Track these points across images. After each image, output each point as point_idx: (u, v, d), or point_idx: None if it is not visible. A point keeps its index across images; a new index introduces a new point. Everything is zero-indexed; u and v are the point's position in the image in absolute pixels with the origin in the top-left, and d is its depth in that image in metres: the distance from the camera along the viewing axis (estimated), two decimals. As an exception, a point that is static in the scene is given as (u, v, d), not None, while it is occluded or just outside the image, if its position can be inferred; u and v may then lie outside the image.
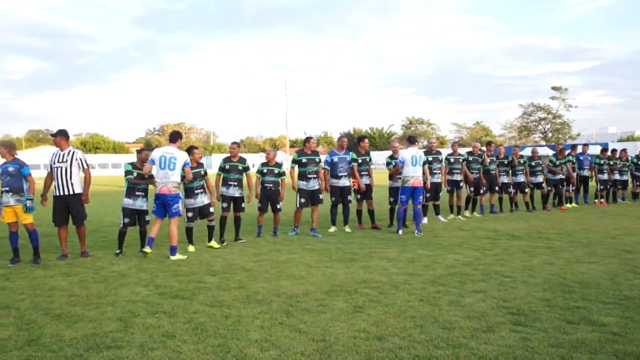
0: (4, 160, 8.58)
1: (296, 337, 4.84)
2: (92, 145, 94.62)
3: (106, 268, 7.99)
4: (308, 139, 11.29)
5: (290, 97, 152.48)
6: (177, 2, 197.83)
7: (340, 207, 11.64)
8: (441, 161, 13.07)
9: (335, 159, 11.47)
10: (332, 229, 11.52)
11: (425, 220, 12.30)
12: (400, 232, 11.05)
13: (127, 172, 9.22)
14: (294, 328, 5.09)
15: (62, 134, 8.93)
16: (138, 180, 9.11)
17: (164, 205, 8.78)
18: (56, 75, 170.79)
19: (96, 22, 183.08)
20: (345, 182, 11.49)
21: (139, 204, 9.14)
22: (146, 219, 9.25)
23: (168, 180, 8.69)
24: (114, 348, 4.65)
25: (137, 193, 9.10)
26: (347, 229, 11.57)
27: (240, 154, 10.56)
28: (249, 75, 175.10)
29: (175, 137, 9.07)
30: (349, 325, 5.14)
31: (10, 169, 8.44)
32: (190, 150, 9.48)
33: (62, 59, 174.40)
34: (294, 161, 11.12)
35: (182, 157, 8.81)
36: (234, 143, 10.53)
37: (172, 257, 8.54)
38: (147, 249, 8.69)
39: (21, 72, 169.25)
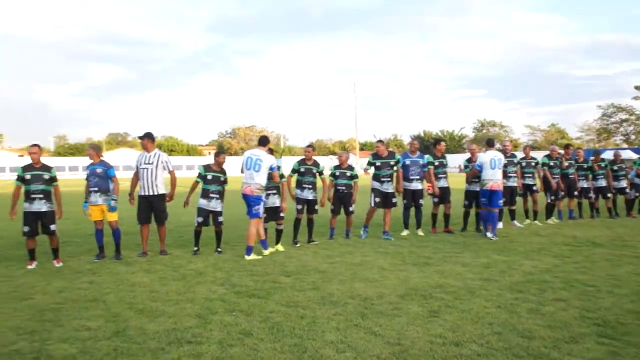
0: (91, 161, 9.05)
1: (372, 340, 4.83)
2: (167, 147, 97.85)
3: (184, 266, 8.25)
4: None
5: (359, 100, 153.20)
6: (246, 8, 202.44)
7: (413, 210, 11.53)
8: (517, 164, 12.71)
9: (408, 161, 11.38)
10: (405, 233, 11.42)
11: (500, 225, 11.98)
12: (489, 234, 10.80)
13: (199, 175, 9.47)
14: (369, 331, 5.08)
15: (149, 137, 9.31)
16: (210, 182, 9.35)
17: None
18: (133, 80, 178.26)
19: (170, 30, 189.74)
20: (417, 185, 11.38)
21: (213, 204, 9.36)
22: (220, 220, 9.45)
23: (252, 181, 8.91)
24: (193, 343, 4.80)
25: (211, 195, 9.33)
26: (420, 232, 11.44)
27: (313, 157, 10.64)
28: (319, 78, 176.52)
29: (264, 141, 9.37)
30: (425, 330, 5.08)
31: (98, 170, 8.89)
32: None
33: (138, 65, 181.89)
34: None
35: (268, 160, 9.04)
36: (308, 146, 10.62)
37: (247, 257, 8.72)
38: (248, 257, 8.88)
39: (102, 79, 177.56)
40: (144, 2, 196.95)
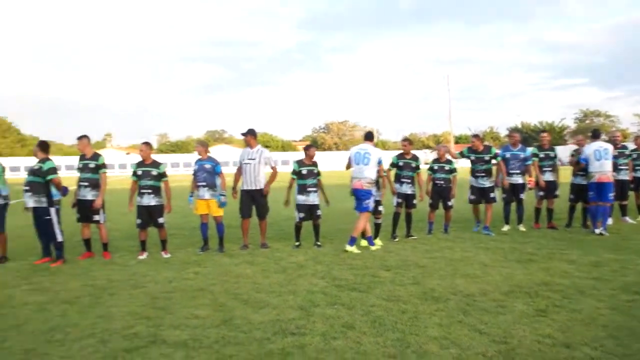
0: (199, 157, 9.45)
1: (476, 337, 4.72)
2: (263, 143, 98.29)
3: (285, 259, 8.45)
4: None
5: (453, 92, 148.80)
6: (336, 4, 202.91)
7: (513, 205, 11.14)
8: (628, 156, 11.92)
9: (508, 155, 11.00)
10: (506, 228, 11.05)
11: (610, 221, 11.29)
12: (598, 230, 10.25)
13: (294, 172, 9.60)
14: (473, 328, 4.98)
15: (252, 133, 9.58)
16: (306, 177, 9.47)
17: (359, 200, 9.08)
18: (230, 79, 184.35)
19: (263, 29, 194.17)
20: (517, 179, 10.96)
21: (312, 199, 9.49)
22: (318, 213, 9.56)
23: (362, 175, 8.99)
24: (297, 335, 4.91)
25: (308, 189, 9.46)
26: (522, 227, 11.02)
27: (411, 151, 10.51)
28: (411, 71, 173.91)
29: (370, 136, 9.51)
30: (532, 329, 4.90)
31: (207, 166, 9.26)
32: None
33: (234, 64, 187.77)
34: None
35: (377, 153, 9.09)
36: (405, 140, 10.47)
37: (348, 247, 8.82)
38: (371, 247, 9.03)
39: (203, 78, 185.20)
40: (238, 3, 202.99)
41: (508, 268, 7.45)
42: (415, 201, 10.33)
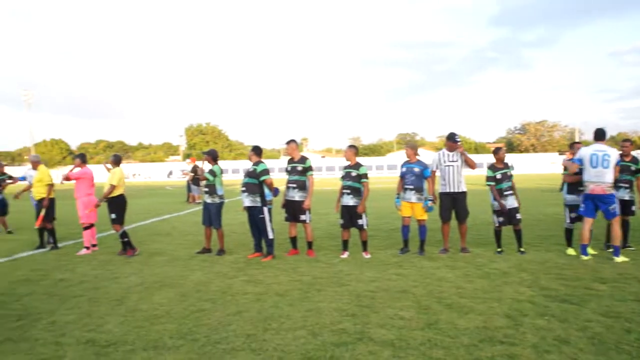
0: (407, 159, 9.50)
1: None
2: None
3: (487, 265, 8.21)
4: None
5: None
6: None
7: None
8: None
9: None
10: None
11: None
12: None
13: (489, 178, 9.23)
14: None
15: (451, 139, 9.44)
16: (501, 180, 9.07)
17: (595, 205, 8.51)
18: (420, 82, 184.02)
19: (453, 29, 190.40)
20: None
21: (510, 202, 9.04)
22: (518, 218, 9.09)
23: (603, 180, 8.34)
24: (506, 344, 4.75)
25: (505, 193, 9.07)
26: None
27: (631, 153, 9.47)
28: (618, 62, 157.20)
29: (602, 134, 8.59)
30: None
31: (416, 169, 9.28)
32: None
33: (424, 67, 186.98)
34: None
35: (615, 155, 8.42)
36: (626, 141, 9.40)
37: (616, 259, 8.27)
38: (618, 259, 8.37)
39: (394, 82, 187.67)
40: (429, 4, 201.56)
41: None
42: (634, 208, 9.30)
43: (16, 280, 7.96)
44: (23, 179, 14.07)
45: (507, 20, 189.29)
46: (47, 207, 10.71)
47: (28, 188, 12.08)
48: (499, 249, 9.19)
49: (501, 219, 9.13)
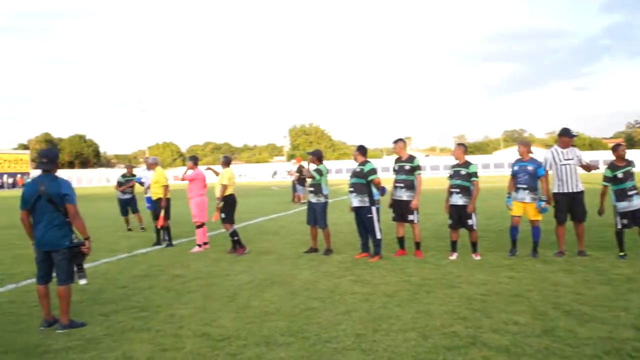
0: (519, 157, 9.09)
1: None
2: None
3: (609, 270, 7.65)
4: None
5: None
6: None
7: None
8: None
9: None
10: None
11: None
12: None
13: (606, 178, 8.62)
14: None
15: (566, 134, 8.95)
16: (617, 182, 8.42)
17: None
18: (527, 76, 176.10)
19: (562, 17, 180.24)
20: None
21: (636, 203, 8.38)
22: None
23: None
24: (636, 358, 4.38)
25: (628, 193, 8.41)
26: None
27: None
28: None
29: None
30: None
31: (529, 168, 8.86)
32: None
33: (531, 59, 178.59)
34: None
35: None
36: None
37: None
38: None
39: (496, 77, 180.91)
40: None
41: None
42: None
43: (137, 275, 8.48)
44: (139, 179, 15.03)
45: (619, 4, 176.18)
46: (165, 207, 11.33)
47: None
48: (621, 253, 8.53)
49: (625, 221, 8.48)
